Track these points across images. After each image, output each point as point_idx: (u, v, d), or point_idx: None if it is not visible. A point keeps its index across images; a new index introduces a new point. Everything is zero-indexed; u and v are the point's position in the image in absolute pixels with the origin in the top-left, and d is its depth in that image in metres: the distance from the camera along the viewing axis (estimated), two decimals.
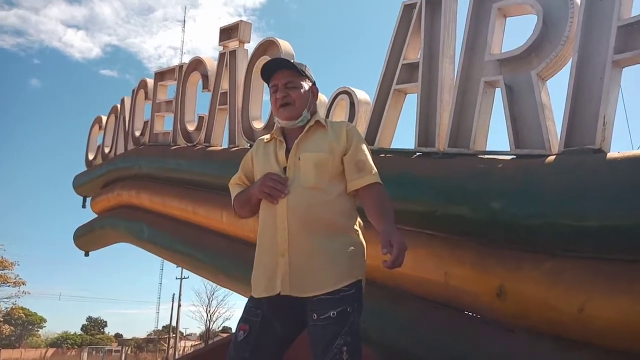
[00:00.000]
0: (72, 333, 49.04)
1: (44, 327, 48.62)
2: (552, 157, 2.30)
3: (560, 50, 2.43)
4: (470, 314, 2.49)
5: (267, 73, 2.00)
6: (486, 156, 2.62)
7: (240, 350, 1.83)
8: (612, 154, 2.13)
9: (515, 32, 2.87)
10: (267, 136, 2.08)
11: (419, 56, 3.05)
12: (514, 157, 2.49)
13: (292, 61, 2.04)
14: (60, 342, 45.66)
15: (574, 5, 2.43)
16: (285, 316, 1.84)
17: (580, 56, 2.35)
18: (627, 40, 2.25)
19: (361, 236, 1.94)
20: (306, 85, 1.98)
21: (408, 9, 3.18)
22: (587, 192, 2.05)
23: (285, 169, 1.91)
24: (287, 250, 1.81)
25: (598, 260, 2.01)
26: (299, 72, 1.97)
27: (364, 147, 1.96)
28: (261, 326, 1.84)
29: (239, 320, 1.91)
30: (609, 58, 2.25)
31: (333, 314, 1.71)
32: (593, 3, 2.37)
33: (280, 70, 1.97)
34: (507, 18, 2.80)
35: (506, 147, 2.54)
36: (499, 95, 2.65)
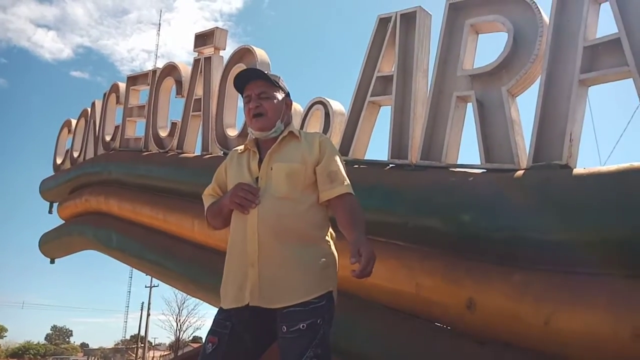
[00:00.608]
0: (35, 343, 47.42)
1: (5, 336, 46.94)
2: (520, 172, 2.36)
3: (529, 68, 2.50)
4: (441, 325, 2.51)
5: (241, 83, 1.99)
6: (457, 169, 2.67)
7: None
8: (578, 170, 2.20)
9: (487, 49, 2.93)
10: (241, 147, 2.06)
11: (393, 69, 3.09)
12: (484, 171, 2.54)
13: (266, 72, 2.04)
14: (22, 352, 44.09)
15: (543, 25, 2.51)
16: (254, 328, 1.81)
17: (548, 74, 2.42)
18: (592, 61, 2.33)
19: (333, 247, 1.93)
20: (279, 96, 1.97)
21: (383, 23, 3.22)
22: (554, 206, 2.11)
23: (257, 179, 1.89)
24: (257, 260, 1.79)
25: (563, 274, 2.06)
26: (272, 83, 1.96)
27: (337, 158, 1.96)
28: (230, 338, 1.81)
29: (208, 333, 1.88)
30: (575, 77, 2.33)
31: (303, 326, 1.70)
32: (561, 23, 2.45)
33: (253, 81, 1.96)
34: (479, 35, 2.87)
35: (477, 160, 2.59)
36: (470, 109, 2.71)
